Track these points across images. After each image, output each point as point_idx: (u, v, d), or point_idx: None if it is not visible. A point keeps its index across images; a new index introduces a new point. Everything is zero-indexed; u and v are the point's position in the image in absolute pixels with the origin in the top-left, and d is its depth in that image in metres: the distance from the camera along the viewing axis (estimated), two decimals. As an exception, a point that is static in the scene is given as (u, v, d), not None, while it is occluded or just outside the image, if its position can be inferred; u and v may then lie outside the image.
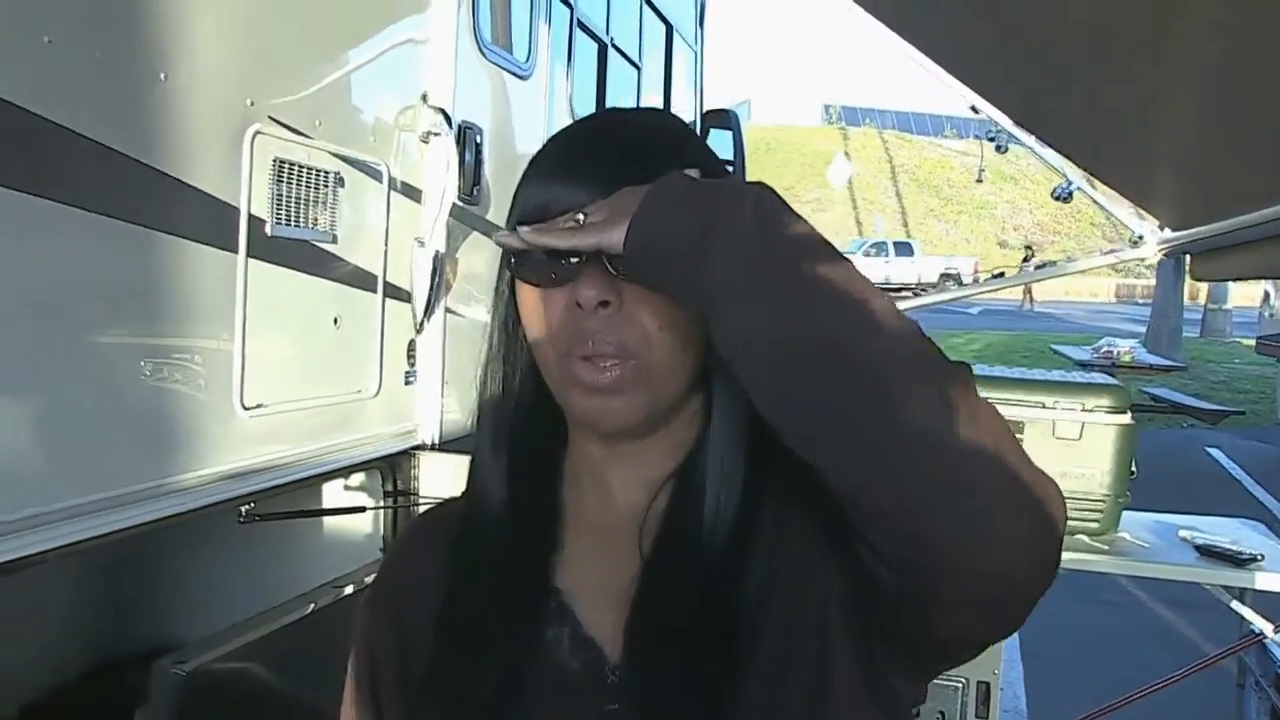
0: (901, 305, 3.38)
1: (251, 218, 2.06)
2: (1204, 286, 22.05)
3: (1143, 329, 18.22)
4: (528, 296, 0.85)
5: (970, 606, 0.74)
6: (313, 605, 1.86)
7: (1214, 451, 10.65)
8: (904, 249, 37.33)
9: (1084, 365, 10.06)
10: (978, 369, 3.89)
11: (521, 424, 0.93)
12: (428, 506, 1.01)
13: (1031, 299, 27.56)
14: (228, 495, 2.07)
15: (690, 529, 0.87)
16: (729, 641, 0.83)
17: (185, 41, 1.89)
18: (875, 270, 36.04)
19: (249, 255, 2.06)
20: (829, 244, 0.75)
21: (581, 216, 0.78)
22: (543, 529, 0.92)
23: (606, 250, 0.76)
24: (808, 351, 0.71)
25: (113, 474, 1.80)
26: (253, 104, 2.06)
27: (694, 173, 0.80)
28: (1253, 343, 14.48)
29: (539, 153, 0.89)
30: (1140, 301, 30.10)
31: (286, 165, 2.16)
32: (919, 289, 32.85)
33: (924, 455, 0.69)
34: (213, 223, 1.98)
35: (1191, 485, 8.64)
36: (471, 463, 0.94)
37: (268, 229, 2.11)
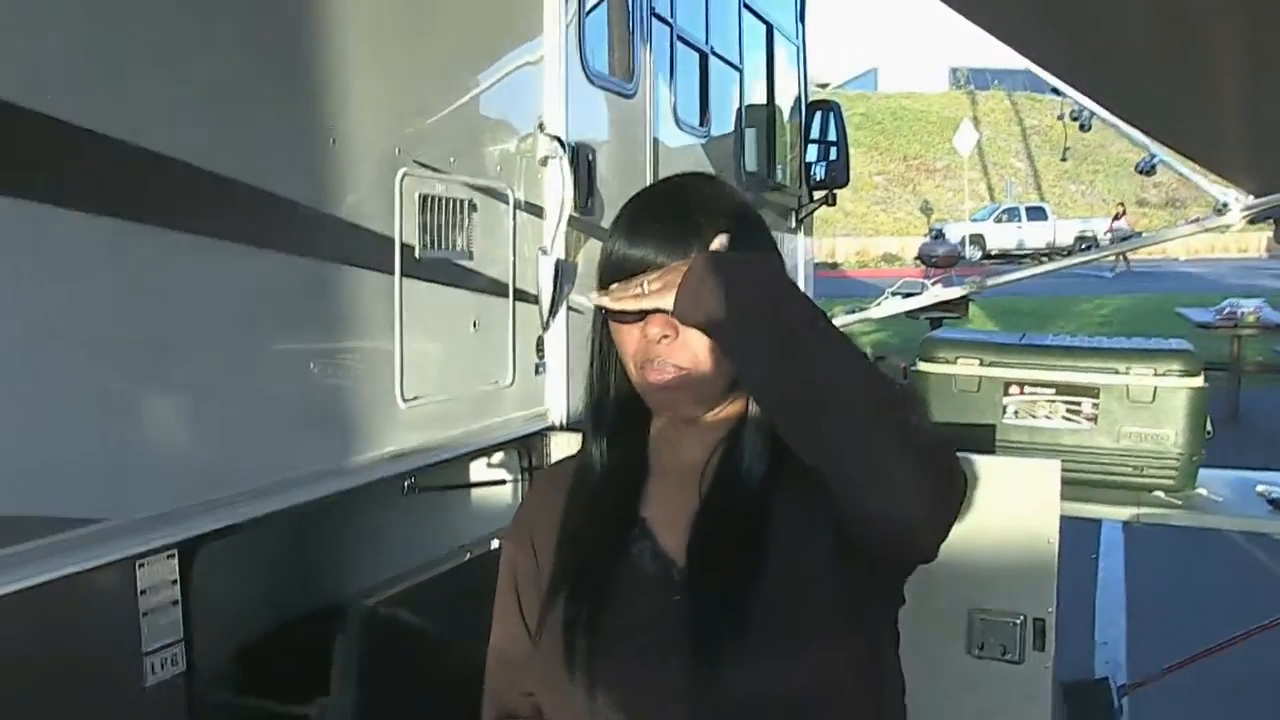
0: (1005, 278, 3.70)
1: (404, 245, 2.52)
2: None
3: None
4: (616, 327, 1.27)
5: (886, 533, 1.14)
6: (467, 555, 2.32)
7: (1353, 410, 10.45)
8: (1036, 213, 36.57)
9: (1205, 327, 9.99)
10: (1063, 340, 4.17)
11: (616, 406, 1.36)
12: (550, 465, 1.45)
13: (1126, 261, 26.84)
14: (394, 472, 2.55)
15: (732, 478, 1.29)
16: (756, 554, 1.24)
17: (348, 110, 2.35)
18: (1008, 236, 35.49)
19: (403, 275, 2.52)
20: (811, 305, 1.16)
21: (644, 285, 1.19)
22: (632, 477, 1.35)
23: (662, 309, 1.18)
24: (790, 383, 1.14)
25: (307, 456, 2.29)
26: (400, 151, 2.52)
27: (723, 239, 1.21)
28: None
29: (619, 216, 1.33)
30: (1292, 255, 28.92)
31: (429, 199, 2.61)
32: (1054, 253, 32.26)
33: (859, 448, 1.11)
34: (374, 252, 2.44)
35: (1323, 443, 8.58)
36: (583, 433, 1.37)
37: (416, 253, 2.57)
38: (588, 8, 3.34)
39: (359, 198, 2.39)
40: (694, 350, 1.24)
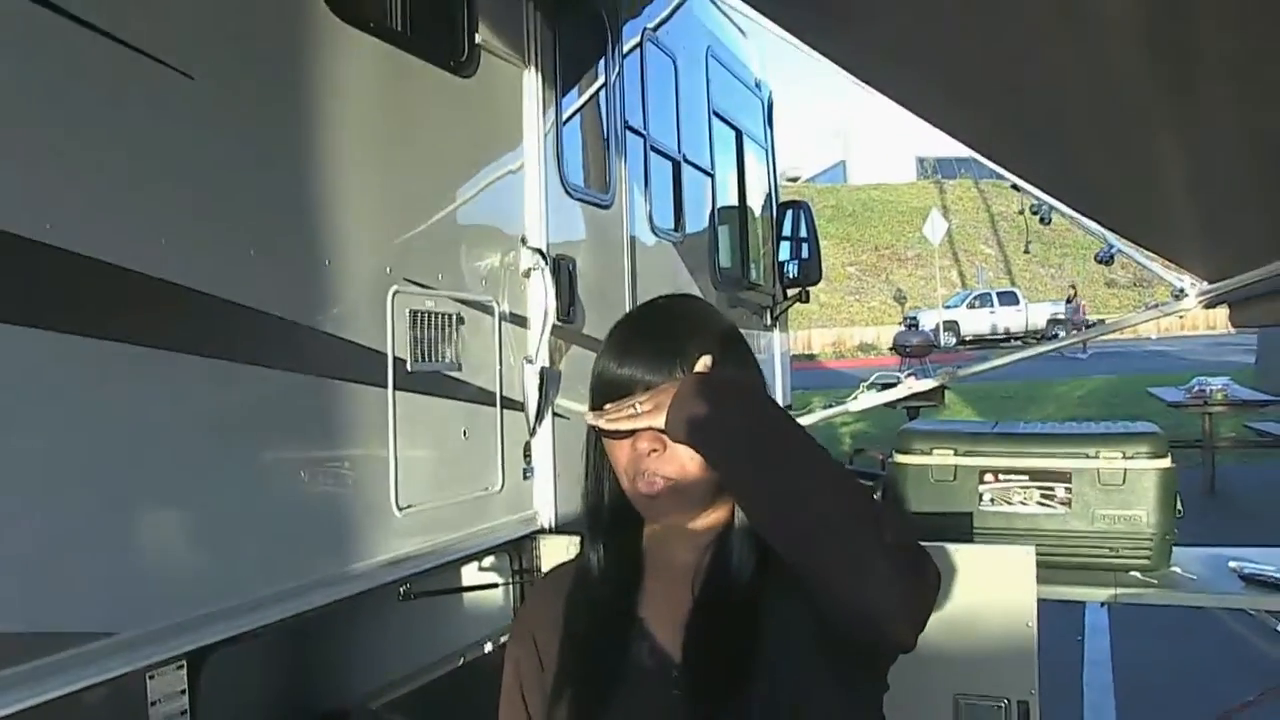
0: (978, 367, 3.82)
1: (396, 359, 2.63)
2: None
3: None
4: (609, 442, 1.37)
5: (866, 630, 1.24)
6: (462, 660, 2.39)
7: (1329, 483, 10.59)
8: (1008, 298, 37.10)
9: (1177, 405, 10.17)
10: (1034, 427, 4.29)
11: (610, 513, 1.46)
12: (550, 568, 1.54)
13: (1084, 345, 27.40)
14: (391, 579, 2.63)
15: (723, 578, 1.39)
16: (749, 647, 1.33)
17: (342, 235, 2.48)
18: (982, 321, 35.94)
19: (395, 388, 2.63)
20: (788, 421, 1.27)
21: (636, 406, 1.29)
22: (628, 578, 1.44)
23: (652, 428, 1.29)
24: (771, 494, 1.25)
25: (307, 564, 2.37)
26: (390, 270, 2.65)
27: (706, 360, 1.32)
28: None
29: (609, 336, 1.44)
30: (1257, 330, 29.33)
31: (419, 314, 2.73)
32: (1028, 337, 32.66)
33: (836, 553, 1.21)
34: (367, 366, 2.55)
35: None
36: (581, 538, 1.47)
37: (408, 366, 2.68)
38: (563, 122, 3.50)
39: (353, 315, 2.51)
40: (681, 462, 1.34)
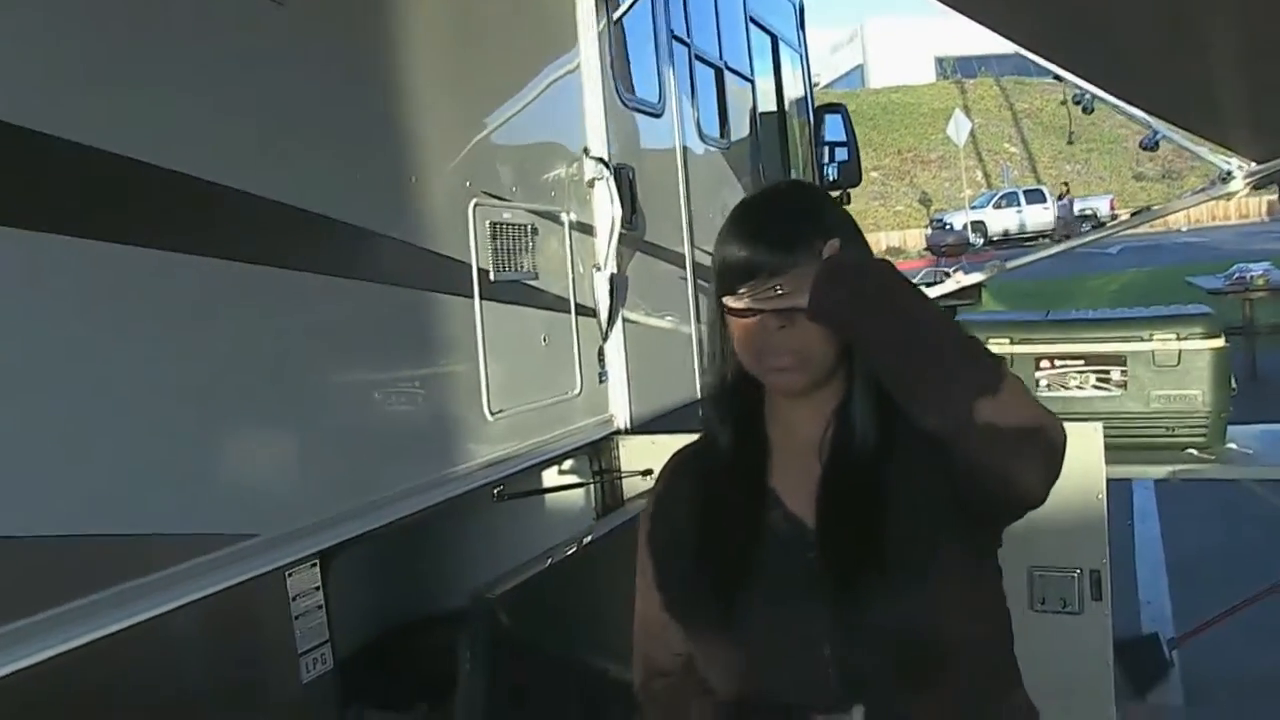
0: (1026, 259, 3.93)
1: (479, 269, 2.74)
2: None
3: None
4: (735, 320, 1.46)
5: (1004, 490, 1.33)
6: (571, 549, 2.53)
7: (1369, 365, 10.59)
8: (1035, 196, 36.70)
9: (1216, 293, 10.15)
10: (1086, 313, 4.37)
11: (734, 392, 1.53)
12: (680, 445, 1.64)
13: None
14: (487, 480, 2.76)
15: (847, 446, 1.48)
16: (878, 509, 1.43)
17: (424, 152, 2.57)
18: (1009, 220, 35.65)
19: (481, 298, 2.73)
20: (920, 294, 1.36)
21: (778, 288, 1.38)
22: (756, 453, 1.53)
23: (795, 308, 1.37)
24: (909, 361, 1.33)
25: (415, 468, 2.50)
26: (470, 184, 2.73)
27: (835, 243, 1.40)
28: None
29: (733, 220, 1.51)
30: (1294, 216, 29.01)
31: (498, 226, 2.82)
32: (1056, 234, 32.40)
33: (978, 420, 1.29)
34: (455, 278, 2.66)
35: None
36: (704, 416, 1.56)
37: (491, 276, 2.78)
38: (617, 33, 3.55)
39: (441, 229, 2.61)
40: (806, 336, 1.41)
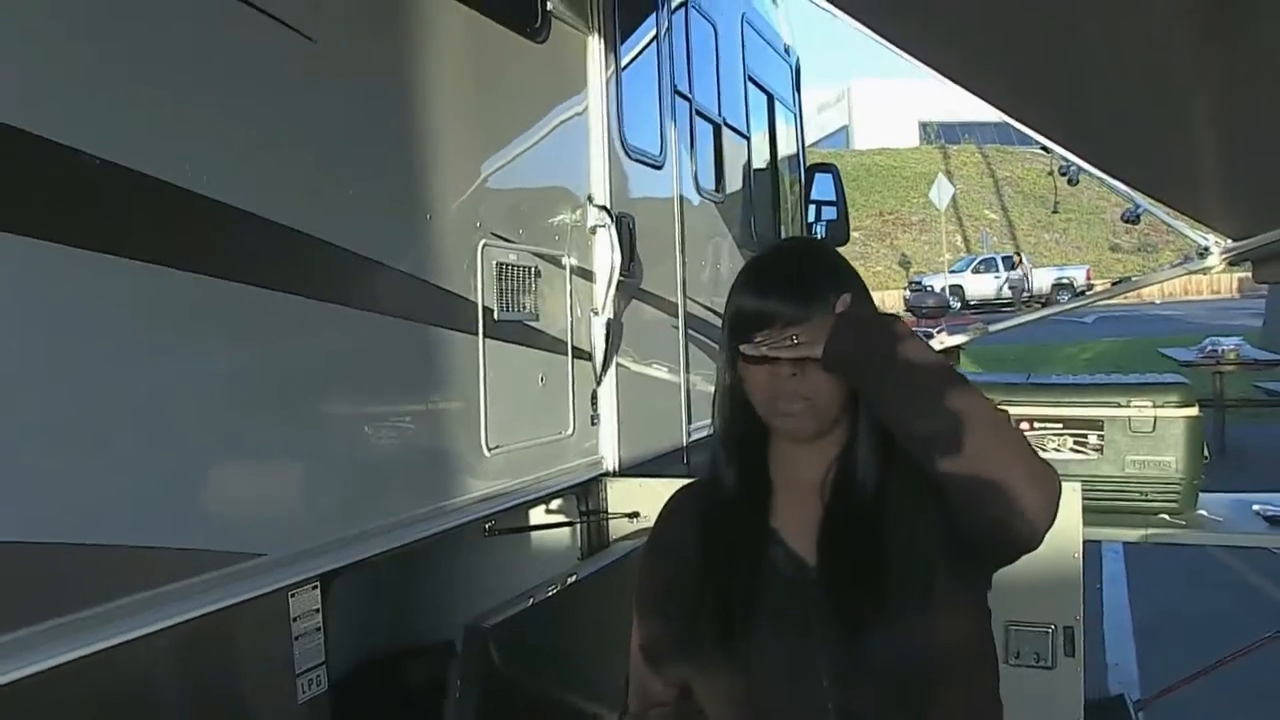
0: (1008, 323, 4.05)
1: (485, 308, 2.81)
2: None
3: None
4: (747, 368, 1.53)
5: (1002, 534, 1.41)
6: (565, 583, 2.59)
7: (1333, 442, 10.79)
8: (1013, 262, 37.25)
9: (1189, 365, 10.35)
10: (1066, 379, 4.47)
11: (741, 430, 1.61)
12: (680, 485, 1.71)
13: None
14: (480, 514, 2.82)
15: (849, 487, 1.55)
16: (877, 549, 1.51)
17: (439, 191, 2.66)
18: (987, 285, 36.07)
19: (485, 336, 2.81)
20: (929, 348, 1.45)
21: (794, 337, 1.45)
22: (760, 493, 1.60)
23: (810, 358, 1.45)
24: (917, 410, 1.41)
25: (410, 500, 2.56)
26: (480, 225, 2.82)
27: (847, 298, 1.49)
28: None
29: (749, 270, 1.60)
30: (1264, 294, 29.48)
31: (504, 266, 2.91)
32: (1033, 301, 32.78)
33: (981, 466, 1.37)
34: (462, 314, 2.73)
35: (1308, 475, 8.86)
36: (712, 457, 1.63)
37: (495, 315, 2.86)
38: (622, 86, 3.66)
39: (451, 267, 2.69)
40: (817, 385, 1.49)
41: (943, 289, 33.27)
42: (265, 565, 2.07)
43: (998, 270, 36.57)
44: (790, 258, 1.64)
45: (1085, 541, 3.83)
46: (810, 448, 1.58)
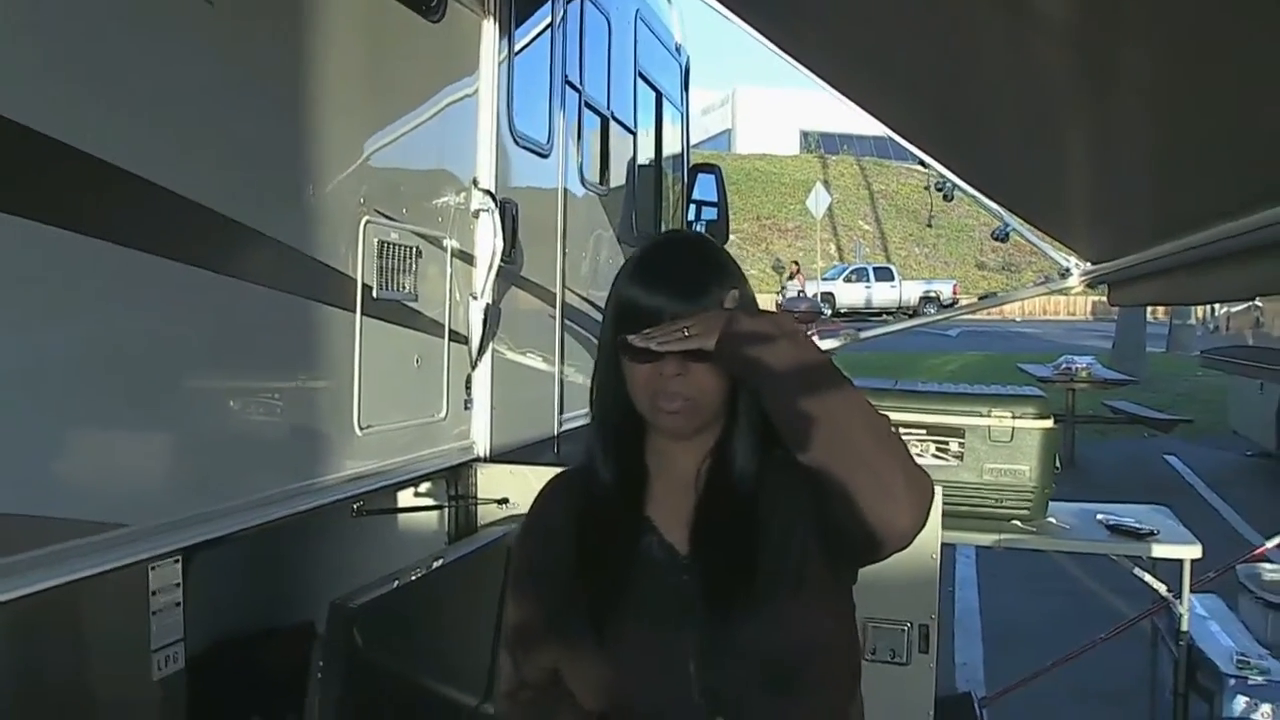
0: (878, 331, 4.16)
1: (364, 285, 2.78)
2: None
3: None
4: (628, 364, 1.53)
5: (875, 532, 1.45)
6: (432, 565, 2.57)
7: (1171, 459, 11.36)
8: (884, 274, 38.18)
9: (1045, 381, 10.76)
10: (931, 386, 4.62)
11: (618, 422, 1.61)
12: (558, 472, 1.72)
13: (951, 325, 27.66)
14: (350, 494, 2.78)
15: (725, 478, 1.57)
16: (748, 539, 1.54)
17: (324, 163, 2.61)
18: (857, 294, 36.92)
19: (363, 313, 2.77)
20: (816, 347, 1.48)
21: (685, 330, 1.46)
22: (635, 483, 1.61)
23: (701, 349, 1.46)
24: (802, 404, 1.43)
25: (277, 476, 2.52)
26: (363, 201, 2.78)
27: (736, 294, 1.51)
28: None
29: (637, 262, 1.59)
30: (1114, 318, 30.87)
31: (385, 244, 2.87)
32: (901, 312, 33.67)
33: (859, 464, 1.41)
34: (340, 290, 2.69)
35: (1148, 491, 9.31)
36: (588, 446, 1.64)
37: (374, 293, 2.82)
38: (514, 72, 3.65)
39: (330, 240, 2.65)
40: (700, 384, 1.51)
41: (815, 295, 33.90)
42: (126, 536, 2.01)
43: (869, 280, 37.45)
44: (680, 252, 1.64)
45: (942, 545, 3.99)
46: (687, 440, 1.60)
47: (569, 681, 1.59)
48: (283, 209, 2.49)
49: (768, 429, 1.51)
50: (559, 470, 1.76)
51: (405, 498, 3.35)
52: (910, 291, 37.14)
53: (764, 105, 52.66)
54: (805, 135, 52.77)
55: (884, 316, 34.22)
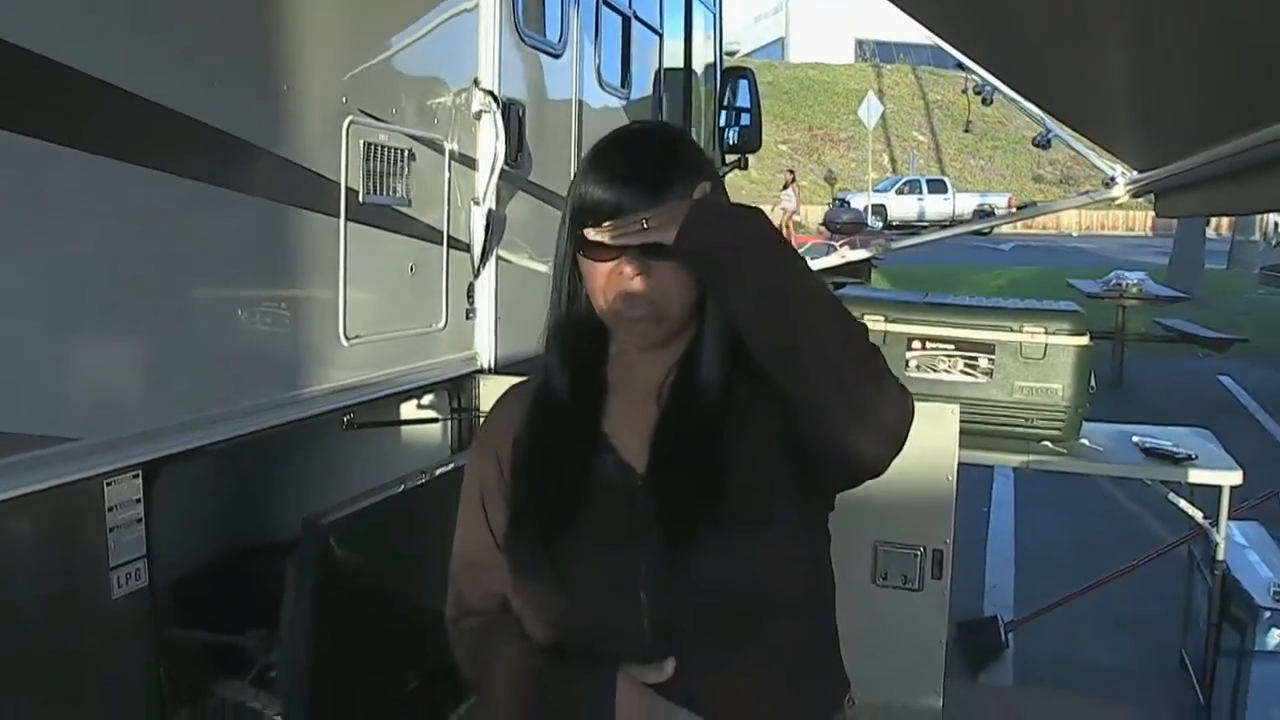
0: (909, 241, 4.01)
1: (348, 189, 2.64)
2: (1227, 219, 22.37)
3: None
4: (587, 264, 1.39)
5: (847, 454, 1.31)
6: (415, 481, 2.46)
7: (1225, 380, 11.05)
8: (937, 186, 37.41)
9: (1093, 297, 10.45)
10: (963, 300, 4.43)
11: (577, 332, 1.48)
12: (513, 383, 1.58)
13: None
14: (336, 406, 2.68)
15: (690, 393, 1.44)
16: (710, 460, 1.40)
17: (298, 59, 2.46)
18: (910, 207, 36.25)
19: (347, 219, 2.64)
20: (792, 247, 1.33)
21: (645, 222, 1.32)
22: (592, 395, 1.48)
23: (661, 244, 1.31)
24: (772, 311, 1.28)
25: (253, 388, 2.41)
26: (346, 100, 2.63)
27: (706, 186, 1.36)
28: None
29: (593, 157, 1.43)
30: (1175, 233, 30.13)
31: (372, 146, 2.72)
32: (953, 225, 33.03)
33: (833, 378, 1.27)
34: (321, 195, 2.56)
35: (1200, 413, 9.04)
36: (545, 356, 1.50)
37: (360, 198, 2.68)
38: (521, -32, 3.46)
39: (309, 143, 2.50)
40: (664, 286, 1.37)
41: (864, 208, 33.31)
42: (77, 451, 1.91)
43: (921, 192, 36.75)
44: (643, 143, 1.47)
45: (972, 465, 3.84)
46: (651, 350, 1.46)
47: (516, 608, 1.48)
48: (255, 109, 2.34)
49: (741, 340, 1.36)
50: (515, 381, 1.63)
51: (406, 410, 3.25)
52: (964, 204, 36.37)
53: (818, 12, 51.40)
54: (860, 44, 51.56)
55: (931, 228, 33.59)
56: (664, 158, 1.42)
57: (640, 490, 1.41)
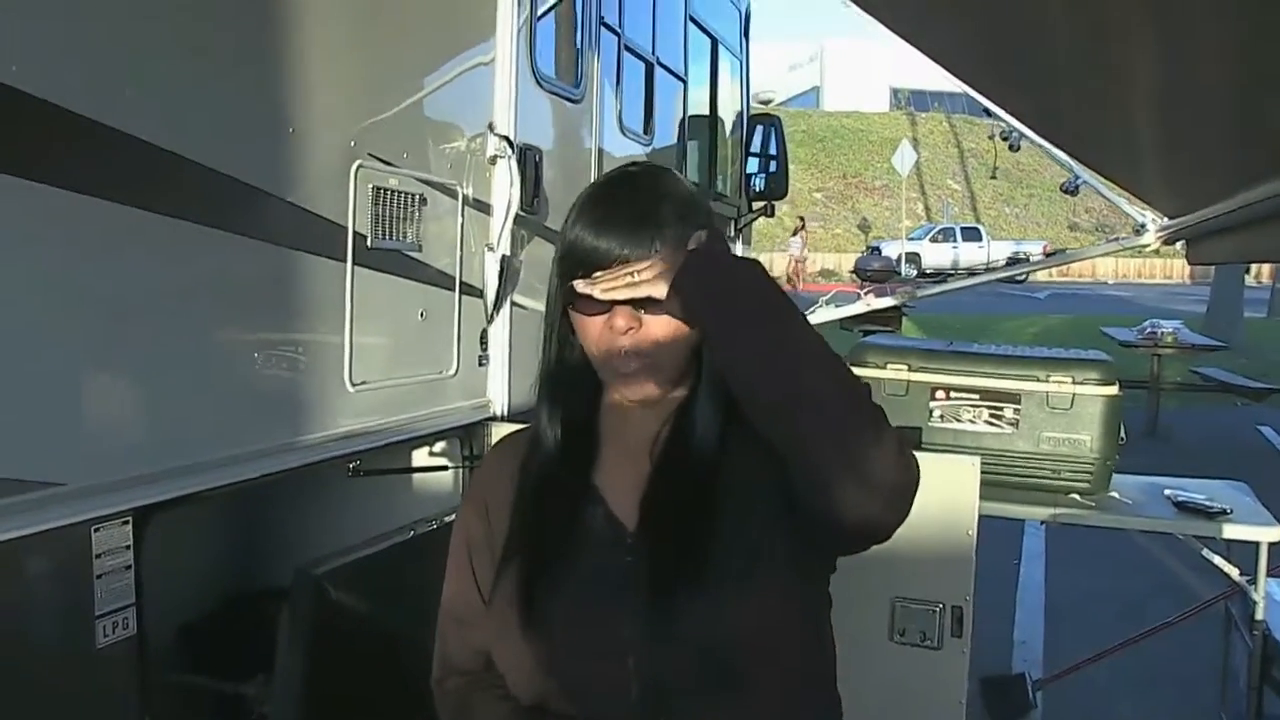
0: (935, 290, 3.90)
1: (356, 234, 2.61)
2: (1268, 266, 22.12)
3: (1207, 310, 18.25)
4: (578, 317, 1.34)
5: (848, 520, 1.24)
6: (411, 533, 2.41)
7: (1265, 430, 10.83)
8: (972, 234, 37.29)
9: (1128, 345, 10.30)
10: (989, 349, 4.35)
11: (569, 381, 1.43)
12: (507, 433, 1.53)
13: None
14: (341, 453, 2.63)
15: (684, 448, 1.38)
16: (702, 518, 1.34)
17: (306, 100, 2.44)
18: (944, 255, 36.10)
19: (354, 264, 2.60)
20: (789, 300, 1.26)
21: (635, 274, 1.27)
22: (583, 447, 1.43)
23: (652, 297, 1.26)
24: (767, 367, 1.22)
25: (257, 432, 2.37)
26: (355, 144, 2.60)
27: (702, 235, 1.31)
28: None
29: (587, 200, 1.38)
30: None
31: (381, 191, 2.70)
32: (983, 271, 32.81)
33: (833, 441, 1.20)
34: (327, 239, 2.52)
35: (1237, 463, 8.86)
36: (537, 406, 1.45)
37: (368, 242, 2.65)
38: (538, 13, 3.44)
39: (316, 187, 2.48)
40: (657, 340, 1.32)
41: (898, 255, 33.18)
42: (63, 495, 1.87)
43: (955, 240, 36.60)
44: (635, 187, 1.40)
45: (1000, 519, 3.74)
46: (646, 403, 1.40)
47: (500, 666, 1.42)
48: (260, 152, 2.32)
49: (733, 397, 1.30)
50: (509, 431, 1.58)
51: (417, 458, 3.20)
52: (999, 252, 36.17)
53: (854, 61, 51.62)
54: (895, 92, 51.71)
55: (972, 277, 33.38)
56: (657, 200, 1.36)
57: (629, 549, 1.35)
